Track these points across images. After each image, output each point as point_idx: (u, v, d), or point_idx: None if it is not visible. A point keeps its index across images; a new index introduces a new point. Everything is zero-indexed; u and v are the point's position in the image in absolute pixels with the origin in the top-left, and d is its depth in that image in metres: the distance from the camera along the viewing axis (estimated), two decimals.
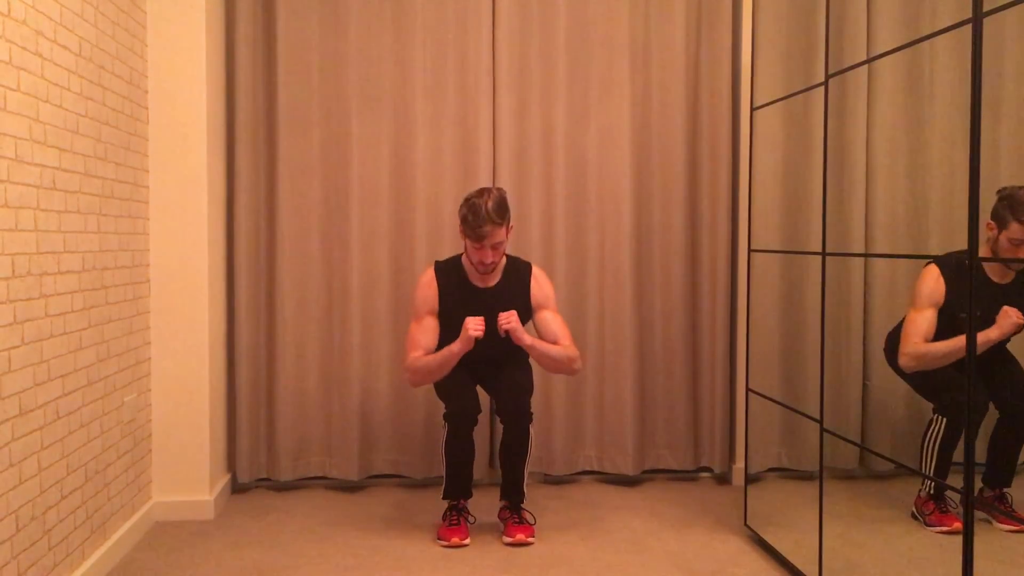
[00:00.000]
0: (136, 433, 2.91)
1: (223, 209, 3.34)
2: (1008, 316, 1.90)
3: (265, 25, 3.39)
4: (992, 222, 1.85)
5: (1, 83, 2.01)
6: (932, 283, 2.11)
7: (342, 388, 3.44)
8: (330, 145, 3.43)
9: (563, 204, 3.50)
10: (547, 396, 3.51)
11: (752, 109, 2.90)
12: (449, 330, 2.88)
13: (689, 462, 3.61)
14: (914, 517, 2.31)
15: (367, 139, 3.43)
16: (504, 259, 2.96)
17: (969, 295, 1.80)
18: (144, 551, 2.81)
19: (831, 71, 2.40)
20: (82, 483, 2.48)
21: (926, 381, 2.22)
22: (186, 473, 3.09)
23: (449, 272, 2.95)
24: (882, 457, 2.35)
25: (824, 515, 2.43)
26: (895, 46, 2.16)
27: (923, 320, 2.14)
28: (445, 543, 2.85)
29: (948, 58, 2.01)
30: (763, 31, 2.89)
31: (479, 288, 2.93)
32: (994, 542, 1.86)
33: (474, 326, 2.76)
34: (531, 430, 2.93)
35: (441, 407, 2.95)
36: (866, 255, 2.42)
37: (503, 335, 2.82)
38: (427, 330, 2.89)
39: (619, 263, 3.51)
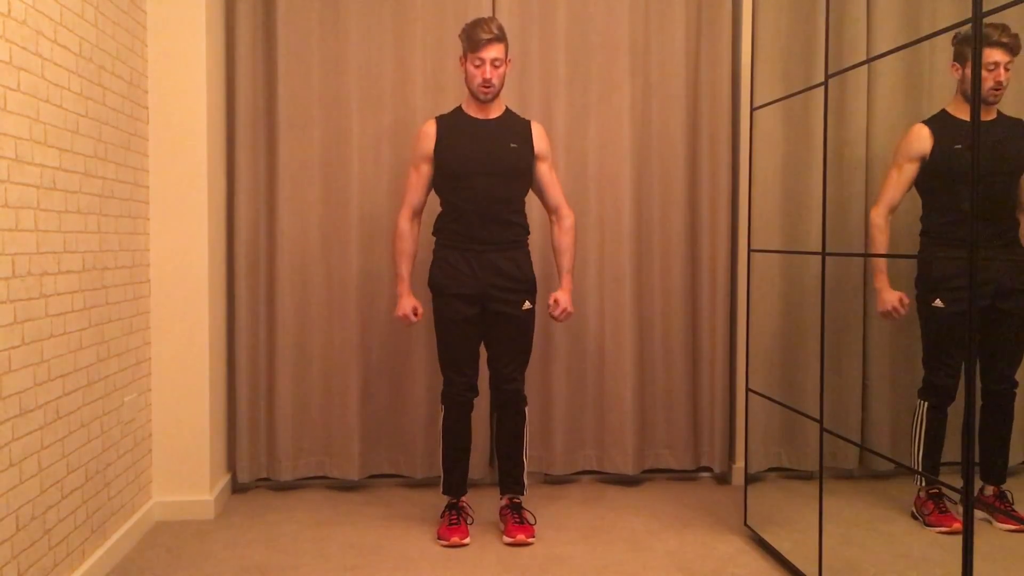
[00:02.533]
0: (136, 433, 2.91)
1: (223, 209, 3.34)
2: (884, 303, 2.00)
3: (265, 25, 3.39)
4: (956, 63, 1.87)
5: (1, 83, 2.01)
6: (916, 140, 2.16)
7: (342, 388, 3.44)
8: (330, 145, 3.43)
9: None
10: (547, 396, 3.51)
11: (752, 109, 2.90)
12: (447, 168, 2.88)
13: (689, 462, 3.61)
14: (914, 517, 2.31)
15: (367, 139, 3.43)
16: (503, 104, 2.97)
17: (969, 300, 1.80)
18: (144, 551, 2.81)
19: (831, 71, 2.40)
20: (82, 483, 2.48)
21: (926, 344, 2.23)
22: (186, 473, 3.09)
23: (449, 116, 2.97)
24: (882, 457, 2.35)
25: (824, 515, 2.43)
26: (895, 46, 2.16)
27: (897, 181, 2.24)
28: (445, 542, 2.85)
29: (948, 58, 2.01)
30: (763, 31, 2.89)
31: (479, 120, 2.92)
32: (994, 542, 1.86)
33: (402, 317, 2.95)
34: (526, 412, 2.94)
35: (441, 408, 2.96)
36: (866, 255, 2.42)
37: (562, 320, 2.98)
38: (422, 179, 2.94)
39: (619, 263, 3.51)
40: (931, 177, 2.16)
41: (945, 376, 2.14)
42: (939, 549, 2.17)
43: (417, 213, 2.98)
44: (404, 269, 2.97)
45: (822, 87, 2.43)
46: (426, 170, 2.93)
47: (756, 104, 2.89)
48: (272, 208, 3.41)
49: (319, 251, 3.43)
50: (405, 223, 2.96)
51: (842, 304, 2.46)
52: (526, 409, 2.96)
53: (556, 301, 2.96)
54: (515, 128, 2.94)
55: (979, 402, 1.87)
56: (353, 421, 3.42)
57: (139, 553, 2.79)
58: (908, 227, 2.29)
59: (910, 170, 2.20)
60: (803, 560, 2.55)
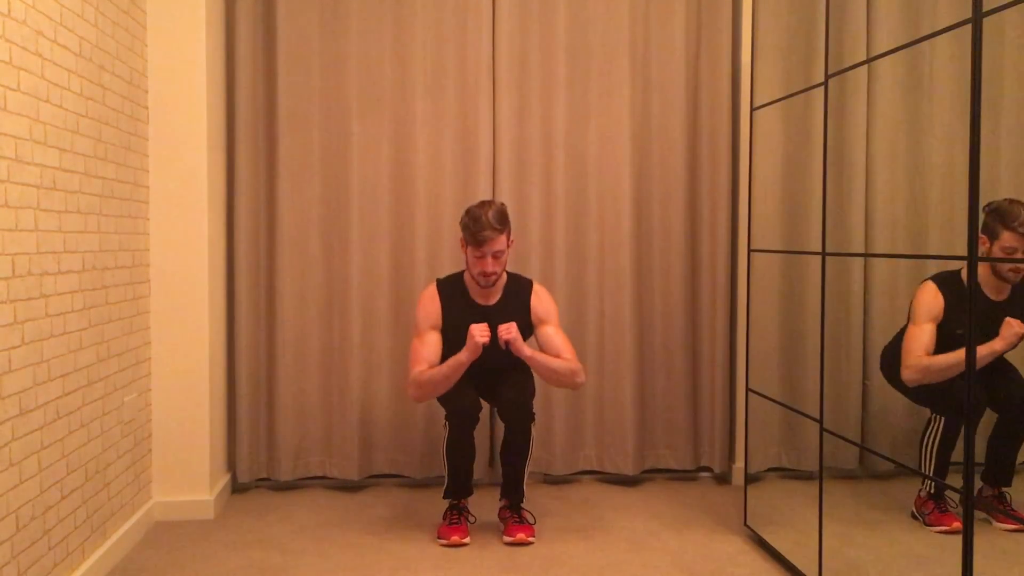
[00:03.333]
0: (136, 433, 2.91)
1: (223, 209, 3.34)
2: (1011, 327, 1.91)
3: (265, 25, 3.39)
4: (984, 235, 1.86)
5: (1, 83, 2.01)
6: (930, 299, 2.12)
7: (342, 388, 3.44)
8: (330, 145, 3.43)
9: (563, 204, 3.50)
10: (547, 396, 3.51)
11: (752, 109, 2.90)
12: (448, 348, 2.87)
13: (689, 462, 3.61)
14: (914, 517, 2.31)
15: (367, 139, 3.43)
16: (505, 277, 2.96)
17: (969, 295, 1.80)
18: (144, 551, 2.81)
19: (831, 71, 2.40)
20: (82, 483, 2.48)
21: (925, 391, 2.23)
22: (186, 473, 3.09)
23: (451, 288, 2.95)
24: (882, 457, 2.35)
25: (824, 515, 2.43)
26: (895, 46, 2.16)
27: (924, 333, 2.14)
28: (445, 542, 2.85)
29: (948, 58, 2.01)
30: (763, 31, 2.89)
31: (480, 305, 2.93)
32: (994, 542, 1.86)
33: (480, 332, 2.75)
34: (532, 430, 2.93)
35: (442, 410, 2.95)
36: (866, 255, 2.42)
37: (504, 347, 2.81)
38: (430, 344, 2.87)
39: (619, 263, 3.51)
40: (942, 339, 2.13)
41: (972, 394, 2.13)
42: (939, 549, 2.16)
43: (433, 366, 2.84)
44: (447, 363, 2.80)
45: (822, 87, 2.43)
46: (435, 338, 2.89)
47: (756, 104, 2.89)
48: (272, 208, 3.41)
49: (319, 251, 3.43)
50: (421, 375, 2.81)
51: (842, 304, 2.46)
52: (532, 428, 2.94)
53: (509, 327, 2.82)
54: (515, 306, 2.93)
55: (978, 405, 1.88)
56: (353, 421, 3.42)
57: (139, 553, 2.79)
58: (908, 226, 2.29)
59: (930, 330, 2.16)
60: (803, 560, 2.55)
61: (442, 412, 2.92)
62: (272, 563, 2.70)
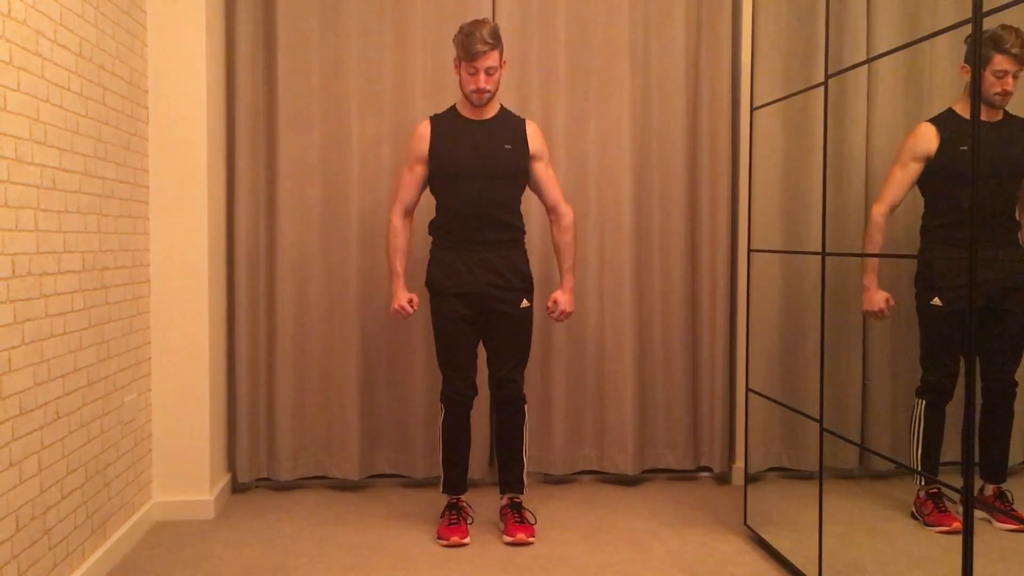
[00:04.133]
0: (136, 433, 2.91)
1: (223, 209, 3.34)
2: (872, 303, 2.00)
3: (265, 25, 3.39)
4: (966, 64, 1.85)
5: (1, 83, 2.01)
6: (923, 139, 2.14)
7: (342, 388, 3.44)
8: (330, 145, 3.43)
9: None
10: (547, 395, 3.51)
11: (752, 109, 2.90)
12: (442, 169, 2.88)
13: (689, 462, 3.61)
14: (914, 517, 2.31)
15: (367, 139, 3.43)
16: (498, 104, 2.96)
17: (969, 294, 1.80)
18: (144, 551, 2.81)
19: (831, 71, 2.40)
20: (82, 483, 2.48)
21: (922, 338, 2.24)
22: (186, 473, 3.09)
23: (443, 116, 2.96)
24: (882, 457, 2.35)
25: (824, 515, 2.43)
26: (895, 46, 2.16)
27: (900, 180, 2.21)
28: (445, 542, 2.85)
29: (948, 58, 2.01)
30: (763, 31, 2.89)
31: (473, 121, 2.92)
32: (994, 542, 1.86)
33: (399, 305, 2.93)
34: (526, 411, 2.95)
35: (439, 404, 2.96)
36: (866, 255, 2.42)
37: (561, 320, 3.01)
38: (415, 179, 2.94)
39: (619, 263, 3.51)
40: (935, 177, 2.15)
41: (942, 375, 2.13)
42: (939, 549, 2.16)
43: (409, 212, 2.99)
44: (399, 264, 2.97)
45: (822, 87, 2.43)
46: (420, 170, 2.94)
47: (756, 104, 2.89)
48: (272, 208, 3.41)
49: (319, 251, 3.43)
50: (397, 220, 2.97)
51: (842, 304, 2.46)
52: (525, 408, 2.97)
53: (556, 302, 2.96)
54: (510, 128, 2.94)
55: (979, 401, 1.87)
56: (353, 421, 3.42)
57: (139, 553, 2.79)
58: (908, 227, 2.29)
59: (914, 169, 2.19)
60: (803, 560, 2.55)
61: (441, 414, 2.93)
62: (272, 563, 2.70)
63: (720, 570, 2.67)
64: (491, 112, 2.93)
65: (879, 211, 2.27)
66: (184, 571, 2.64)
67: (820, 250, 2.45)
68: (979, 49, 1.77)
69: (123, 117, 2.79)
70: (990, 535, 1.87)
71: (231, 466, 3.45)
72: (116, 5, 2.72)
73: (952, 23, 1.88)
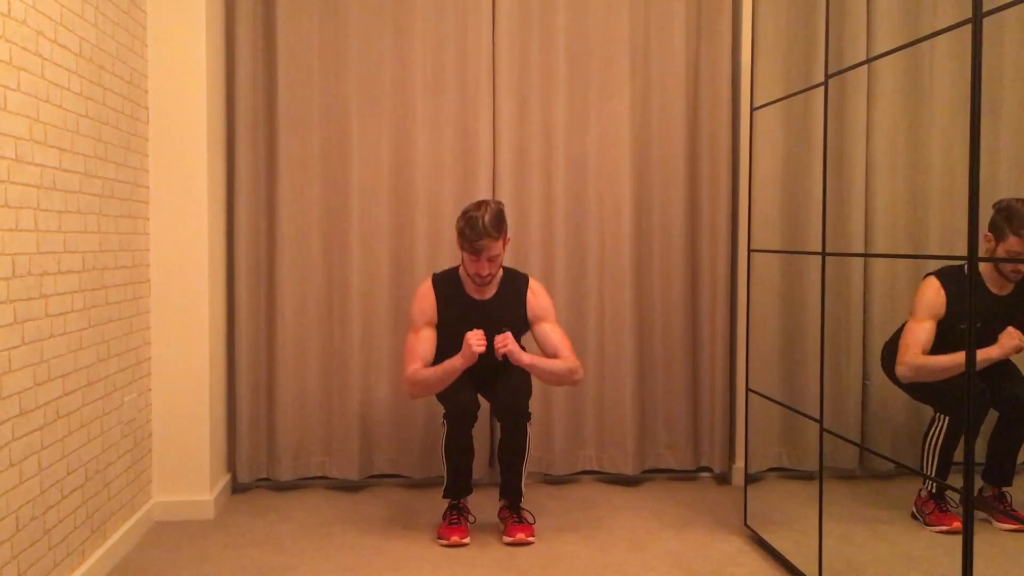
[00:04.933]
0: (136, 433, 2.91)
1: (223, 209, 3.34)
2: (1011, 337, 1.90)
3: (265, 25, 3.39)
4: (989, 233, 1.85)
5: (1, 83, 2.01)
6: (932, 295, 2.11)
7: (342, 388, 3.44)
8: (330, 145, 3.43)
9: (563, 204, 3.49)
10: (547, 396, 3.51)
11: (752, 109, 2.90)
12: (445, 342, 2.88)
13: (689, 462, 3.61)
14: (914, 517, 2.31)
15: (367, 139, 3.43)
16: (501, 272, 2.96)
17: (969, 295, 1.80)
18: (144, 551, 2.81)
19: (831, 71, 2.40)
20: (82, 483, 2.48)
21: (926, 389, 2.22)
22: (186, 473, 3.09)
23: (447, 284, 2.95)
24: (882, 457, 2.35)
25: (824, 515, 2.43)
26: (895, 46, 2.16)
27: (922, 331, 2.13)
28: (445, 542, 2.85)
29: (948, 58, 2.01)
30: (763, 31, 2.89)
31: (476, 300, 2.93)
32: (994, 542, 1.86)
33: (476, 341, 2.74)
34: (529, 429, 2.93)
35: (440, 407, 2.95)
36: (866, 255, 2.42)
37: (500, 359, 2.81)
38: (425, 341, 2.88)
39: (619, 263, 3.51)
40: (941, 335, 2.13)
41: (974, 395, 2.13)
42: (939, 549, 2.16)
43: (428, 364, 2.87)
44: (442, 365, 2.80)
45: (822, 87, 2.43)
46: (429, 332, 2.90)
47: (756, 104, 2.89)
48: (272, 208, 3.41)
49: (319, 251, 3.43)
50: (417, 373, 2.83)
51: (842, 304, 2.46)
52: (529, 426, 2.94)
53: (504, 340, 2.80)
54: (511, 301, 2.93)
55: (981, 405, 1.88)
56: (353, 421, 3.42)
57: (139, 553, 2.79)
58: (908, 227, 2.28)
59: (930, 327, 2.15)
60: (803, 560, 2.55)
61: (441, 411, 2.93)
62: (272, 563, 2.70)
63: (720, 570, 2.67)
64: (492, 290, 2.94)
65: (915, 356, 2.16)
66: (184, 571, 2.63)
67: (820, 250, 2.45)
68: (979, 51, 1.77)
69: (123, 117, 2.79)
70: (990, 535, 1.87)
71: (231, 466, 3.45)
72: (116, 5, 2.72)
73: (952, 23, 1.88)
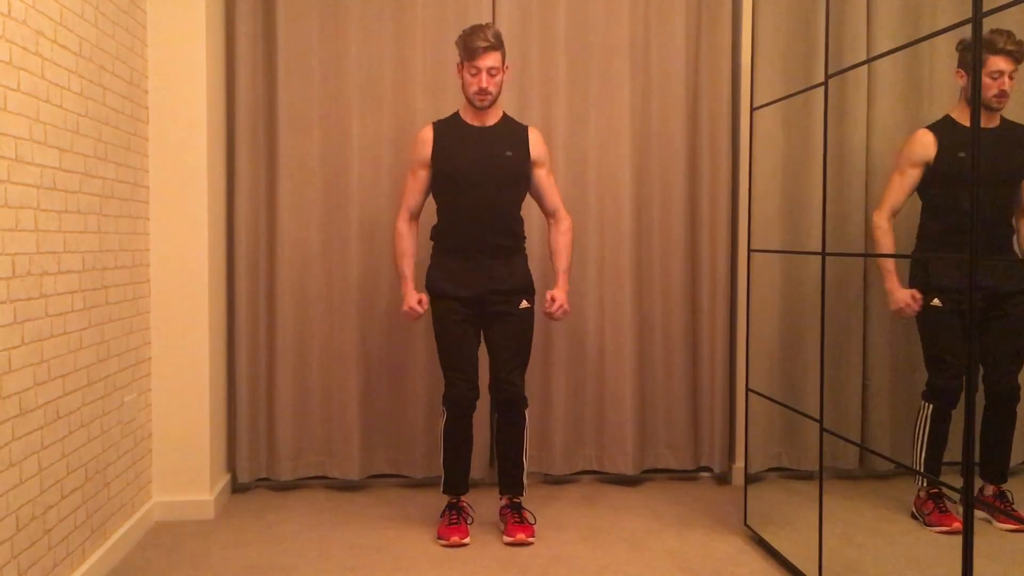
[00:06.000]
0: (136, 433, 2.91)
1: (223, 209, 3.34)
2: (897, 302, 2.00)
3: (265, 25, 3.39)
4: (960, 69, 1.86)
5: (1, 83, 2.01)
6: (920, 145, 2.15)
7: (342, 388, 3.44)
8: (330, 145, 3.43)
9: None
10: (547, 396, 3.51)
11: (752, 109, 2.90)
12: (444, 174, 2.89)
13: (689, 462, 3.61)
14: (914, 517, 2.31)
15: (367, 139, 3.43)
16: (501, 111, 2.96)
17: (969, 295, 1.80)
18: (144, 551, 2.81)
19: (831, 71, 2.40)
20: (82, 483, 2.48)
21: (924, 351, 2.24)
22: (186, 473, 3.09)
23: (445, 121, 2.97)
24: (882, 457, 2.35)
25: (824, 515, 2.43)
26: (895, 46, 2.16)
27: (900, 187, 2.23)
28: (445, 542, 2.85)
29: (948, 58, 2.01)
30: (763, 31, 2.89)
31: (476, 127, 2.92)
32: (994, 542, 1.86)
33: (409, 307, 2.91)
34: (526, 415, 2.94)
35: (440, 407, 2.96)
36: (866, 255, 2.42)
37: (559, 318, 2.97)
38: (419, 184, 2.95)
39: (619, 263, 3.51)
40: (933, 182, 2.16)
41: (948, 378, 2.14)
42: (939, 549, 2.17)
43: (415, 216, 2.99)
44: (406, 268, 2.96)
45: (822, 87, 2.43)
46: (423, 175, 2.94)
47: (756, 104, 2.89)
48: (272, 208, 3.41)
49: (319, 251, 3.43)
50: (403, 224, 2.97)
51: (842, 304, 2.46)
52: (526, 411, 2.96)
53: (553, 298, 2.95)
54: (512, 135, 2.94)
55: (981, 402, 1.88)
56: (353, 421, 3.42)
57: (139, 553, 2.79)
58: (908, 229, 2.29)
59: (913, 175, 2.20)
60: (803, 560, 2.55)
61: (442, 412, 2.93)
62: (272, 563, 2.70)
63: (720, 570, 2.67)
64: (494, 118, 2.94)
65: (881, 216, 2.28)
66: (184, 571, 2.64)
67: (820, 250, 2.45)
68: (979, 51, 1.77)
69: (123, 117, 2.79)
70: (990, 535, 1.87)
71: (231, 466, 3.45)
72: (116, 5, 2.72)
73: (952, 23, 1.88)
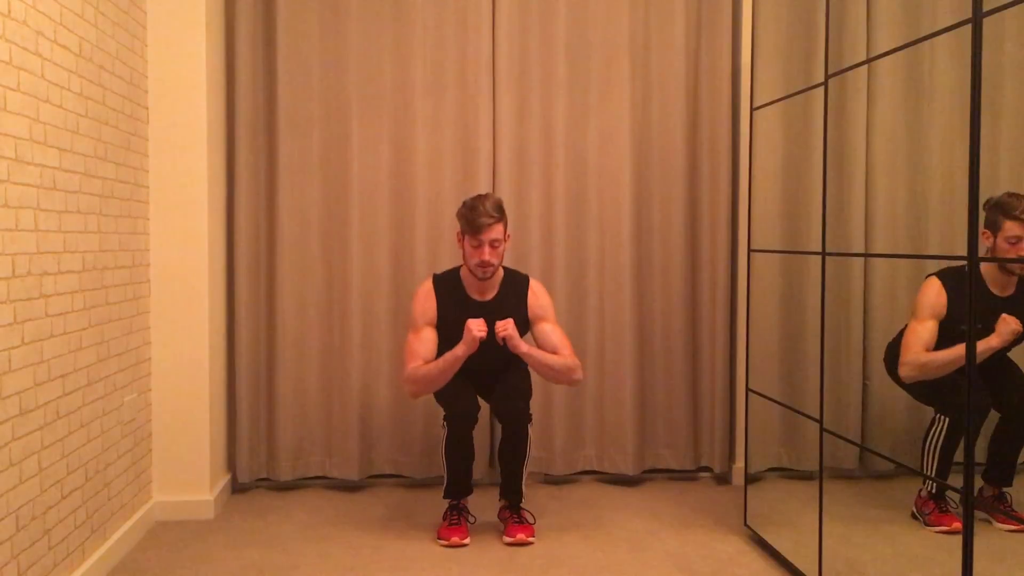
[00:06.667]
0: (136, 433, 2.91)
1: (223, 209, 3.34)
2: (1007, 324, 1.91)
3: (265, 25, 3.39)
4: (986, 230, 1.86)
5: (1, 83, 2.01)
6: (933, 295, 2.12)
7: (342, 388, 3.44)
8: (330, 145, 3.43)
9: (563, 204, 3.49)
10: (547, 396, 3.50)
11: (752, 109, 2.90)
12: (445, 344, 2.87)
13: (689, 462, 3.61)
14: (914, 517, 2.31)
15: (367, 139, 3.43)
16: (502, 273, 2.95)
17: (969, 297, 1.80)
18: (144, 551, 2.81)
19: (831, 71, 2.40)
20: (82, 483, 2.48)
21: (927, 389, 2.23)
22: (186, 473, 3.09)
23: (447, 284, 2.94)
24: (882, 457, 2.35)
25: (824, 515, 2.43)
26: (895, 46, 2.16)
27: (924, 330, 2.14)
28: (445, 543, 2.85)
29: (948, 58, 2.01)
30: (763, 31, 2.89)
31: (477, 301, 2.92)
32: (994, 542, 1.86)
33: (477, 327, 2.76)
34: (529, 431, 2.93)
35: (441, 410, 2.95)
36: (866, 255, 2.42)
37: (500, 343, 2.82)
38: (425, 341, 2.87)
39: (619, 263, 3.51)
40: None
41: (975, 398, 2.13)
42: (939, 549, 2.17)
43: (429, 362, 2.85)
44: (444, 356, 2.81)
45: (822, 87, 2.43)
46: (429, 333, 2.89)
47: (756, 104, 2.89)
48: (272, 208, 3.41)
49: (319, 251, 3.43)
50: (417, 370, 2.83)
51: (842, 304, 2.46)
52: (530, 428, 2.94)
53: (506, 324, 2.82)
54: (512, 302, 2.93)
55: (981, 406, 1.88)
56: (353, 421, 3.42)
57: (139, 553, 2.79)
58: (908, 227, 2.29)
59: (932, 327, 2.15)
60: (803, 560, 2.55)
61: (442, 412, 2.93)
62: (272, 563, 2.70)
63: (720, 570, 2.67)
64: (492, 291, 2.93)
65: (917, 355, 2.17)
66: (184, 571, 2.63)
67: (820, 250, 2.45)
68: (979, 52, 1.77)
69: (123, 117, 2.79)
70: (990, 535, 1.87)
71: (231, 466, 3.45)
72: (116, 5, 2.72)
73: (952, 23, 1.88)
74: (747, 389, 2.93)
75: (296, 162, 3.40)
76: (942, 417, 2.17)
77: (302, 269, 3.43)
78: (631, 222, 3.51)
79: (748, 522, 2.94)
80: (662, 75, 3.54)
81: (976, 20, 1.77)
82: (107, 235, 2.65)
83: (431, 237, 3.45)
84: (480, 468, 3.42)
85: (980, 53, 1.77)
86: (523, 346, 2.83)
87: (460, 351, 2.77)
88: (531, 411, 2.94)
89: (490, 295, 2.94)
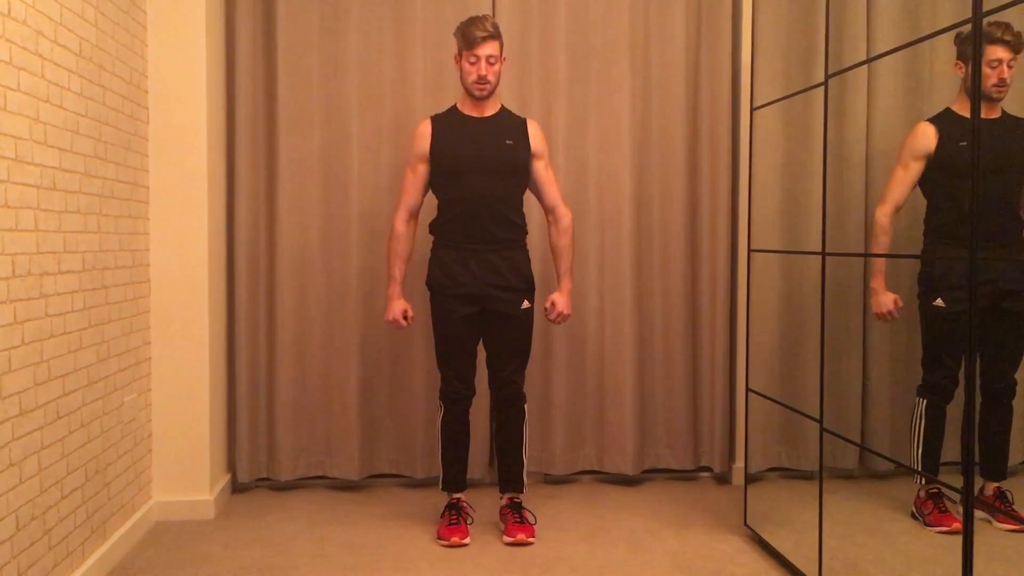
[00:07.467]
0: (136, 433, 2.91)
1: (223, 209, 3.34)
2: (880, 305, 2.00)
3: (265, 25, 3.39)
4: (959, 61, 1.87)
5: (1, 83, 2.01)
6: (922, 138, 2.16)
7: (342, 388, 3.44)
8: (330, 145, 3.43)
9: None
10: (547, 396, 3.51)
11: (752, 109, 2.90)
12: (444, 166, 2.88)
13: (689, 462, 3.61)
14: (914, 517, 2.31)
15: (367, 139, 3.43)
16: (499, 102, 2.96)
17: (970, 296, 1.80)
18: (144, 551, 2.81)
19: (831, 71, 2.40)
20: (82, 483, 2.48)
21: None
22: (186, 473, 3.09)
23: (444, 115, 2.96)
24: (882, 457, 2.35)
25: (824, 515, 2.43)
26: (895, 46, 2.16)
27: (902, 182, 2.24)
28: (445, 542, 2.85)
29: (948, 58, 2.01)
30: (763, 31, 2.89)
31: (474, 118, 2.92)
32: (994, 542, 1.86)
33: (392, 321, 2.95)
34: (525, 409, 2.96)
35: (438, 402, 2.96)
36: (866, 255, 2.42)
37: (558, 323, 3.00)
38: (418, 179, 2.93)
39: (619, 263, 3.51)
40: (935, 175, 2.16)
41: (942, 375, 2.14)
42: (939, 549, 2.17)
43: (414, 214, 2.98)
44: (397, 271, 2.96)
45: (822, 87, 2.43)
46: (422, 170, 2.93)
47: (756, 104, 2.89)
48: (272, 208, 3.41)
49: (319, 251, 3.43)
50: (401, 224, 2.96)
51: (842, 304, 2.46)
52: (525, 407, 2.97)
53: (553, 304, 2.96)
54: (511, 125, 2.94)
55: (978, 399, 1.88)
56: (353, 421, 3.42)
57: (139, 553, 2.79)
58: (909, 227, 2.29)
59: (916, 168, 2.20)
60: (803, 560, 2.55)
61: (441, 413, 2.93)
62: (272, 563, 2.70)
63: (720, 570, 2.67)
64: (492, 109, 2.93)
65: (883, 212, 2.28)
66: (184, 571, 2.64)
67: (820, 250, 2.45)
68: (979, 51, 1.77)
69: (123, 117, 2.79)
70: (990, 535, 1.87)
71: (231, 466, 3.45)
72: (116, 5, 2.72)
73: (952, 23, 1.88)
74: (747, 389, 2.93)
75: (296, 162, 3.40)
76: (921, 400, 2.18)
77: (302, 269, 3.43)
78: (631, 222, 3.51)
79: (748, 522, 2.94)
80: (662, 75, 3.54)
81: (976, 20, 1.77)
82: (107, 235, 2.65)
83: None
84: (480, 468, 3.42)
85: (980, 53, 1.77)
86: (567, 303, 2.99)
87: (391, 290, 2.96)
88: (529, 408, 2.95)
89: (488, 112, 2.93)
